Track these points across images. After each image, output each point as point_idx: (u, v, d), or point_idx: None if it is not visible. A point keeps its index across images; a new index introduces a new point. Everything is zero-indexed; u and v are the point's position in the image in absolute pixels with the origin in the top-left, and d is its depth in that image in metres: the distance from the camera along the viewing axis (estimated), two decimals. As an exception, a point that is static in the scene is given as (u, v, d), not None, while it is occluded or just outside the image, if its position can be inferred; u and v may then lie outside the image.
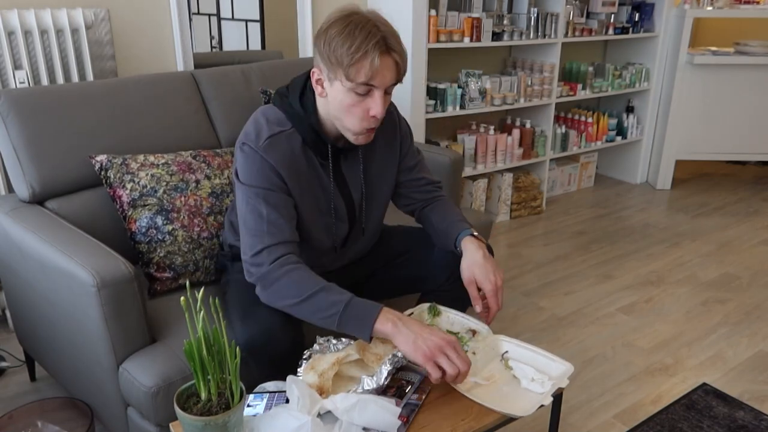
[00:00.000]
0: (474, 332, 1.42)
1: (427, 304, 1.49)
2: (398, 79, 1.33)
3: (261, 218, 1.33)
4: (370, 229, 1.60)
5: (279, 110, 1.42)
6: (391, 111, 1.55)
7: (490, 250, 1.62)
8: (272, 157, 1.35)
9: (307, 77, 1.42)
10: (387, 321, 1.23)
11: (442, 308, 1.48)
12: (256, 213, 1.34)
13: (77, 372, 1.61)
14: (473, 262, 1.44)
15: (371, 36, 1.25)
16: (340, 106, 1.32)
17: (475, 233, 1.51)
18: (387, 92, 1.32)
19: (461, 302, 1.52)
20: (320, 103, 1.39)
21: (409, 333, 1.21)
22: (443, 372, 1.19)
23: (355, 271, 1.64)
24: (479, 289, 1.44)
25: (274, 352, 1.29)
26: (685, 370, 2.15)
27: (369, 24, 1.26)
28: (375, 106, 1.31)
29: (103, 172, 1.68)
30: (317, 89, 1.36)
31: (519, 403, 1.23)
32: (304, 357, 1.24)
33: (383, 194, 1.59)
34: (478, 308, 1.44)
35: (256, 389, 1.23)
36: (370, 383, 1.18)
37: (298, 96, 1.40)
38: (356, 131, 1.35)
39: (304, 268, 1.31)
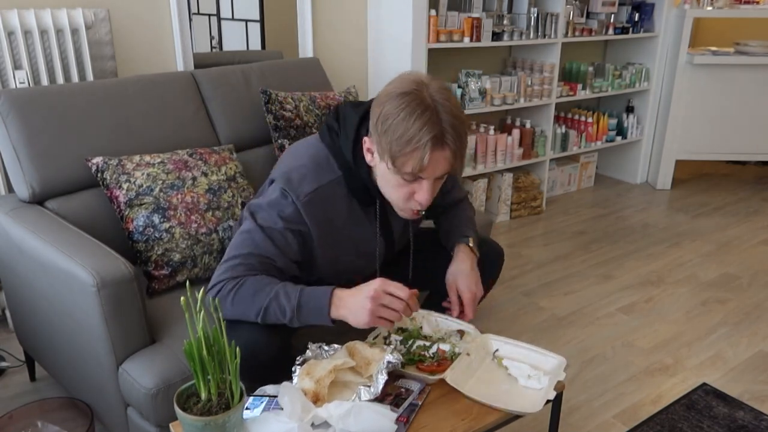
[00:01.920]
0: (462, 333, 1.43)
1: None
2: (451, 170, 1.23)
3: (240, 257, 1.27)
4: (399, 249, 1.57)
5: (330, 153, 1.32)
6: None
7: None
8: (311, 214, 1.28)
9: (362, 119, 1.29)
10: (336, 308, 1.21)
11: (427, 312, 1.48)
12: (243, 247, 1.28)
13: (77, 372, 1.61)
14: (458, 270, 1.47)
15: (427, 129, 1.14)
16: (387, 183, 1.26)
17: (471, 244, 1.52)
18: (438, 178, 1.24)
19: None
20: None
21: (349, 311, 1.20)
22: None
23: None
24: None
25: (259, 365, 1.25)
26: (685, 370, 2.15)
27: (429, 111, 1.14)
28: (421, 193, 1.23)
29: (99, 174, 1.68)
30: (367, 156, 1.27)
31: (524, 400, 1.24)
32: (298, 362, 1.24)
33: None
34: (454, 314, 1.46)
35: (257, 392, 1.22)
36: (367, 395, 1.16)
37: (351, 143, 1.29)
38: (400, 207, 1.30)
39: (248, 280, 1.25)
